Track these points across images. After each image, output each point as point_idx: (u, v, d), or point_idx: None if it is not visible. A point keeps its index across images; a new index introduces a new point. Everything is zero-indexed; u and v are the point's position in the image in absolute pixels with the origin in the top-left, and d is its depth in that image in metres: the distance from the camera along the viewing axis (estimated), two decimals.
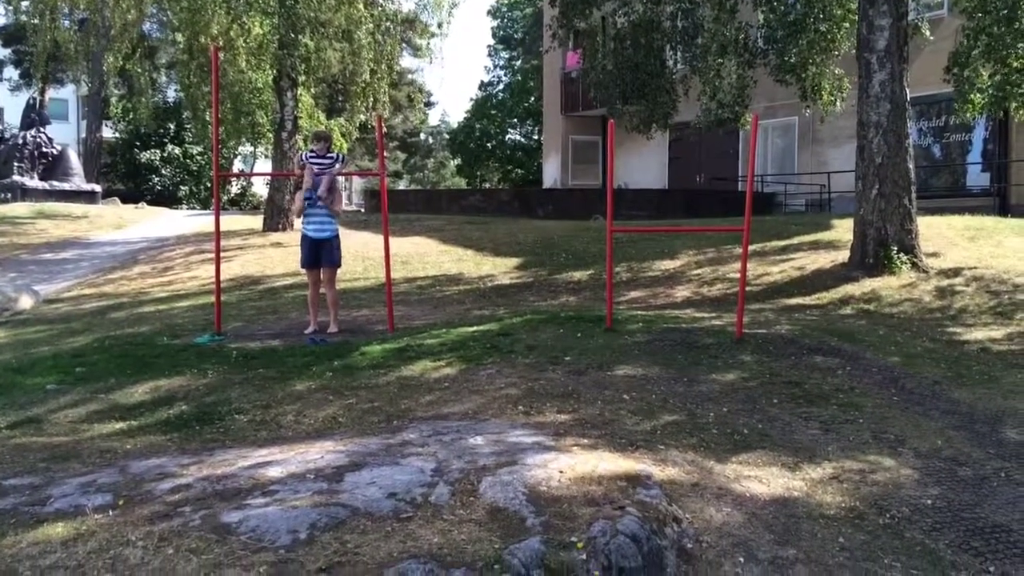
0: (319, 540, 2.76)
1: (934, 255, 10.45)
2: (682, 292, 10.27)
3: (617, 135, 8.50)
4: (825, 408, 5.03)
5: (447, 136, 50.05)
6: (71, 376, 6.05)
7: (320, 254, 7.66)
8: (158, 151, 33.41)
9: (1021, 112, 10.83)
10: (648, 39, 13.26)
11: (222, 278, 8.12)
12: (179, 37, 16.19)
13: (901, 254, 9.80)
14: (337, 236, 7.73)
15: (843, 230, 11.80)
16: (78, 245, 15.93)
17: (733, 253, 11.49)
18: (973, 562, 3.34)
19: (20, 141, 25.32)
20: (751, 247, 8.14)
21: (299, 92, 16.63)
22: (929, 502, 3.78)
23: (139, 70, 18.23)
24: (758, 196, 19.18)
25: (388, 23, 17.39)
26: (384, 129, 9.72)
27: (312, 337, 7.27)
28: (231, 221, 17.92)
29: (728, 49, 12.45)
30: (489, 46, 46.77)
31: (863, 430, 4.69)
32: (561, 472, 3.41)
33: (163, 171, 33.49)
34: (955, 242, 11.38)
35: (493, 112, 43.71)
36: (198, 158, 33.90)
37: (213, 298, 8.03)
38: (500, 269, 12.18)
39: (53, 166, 25.59)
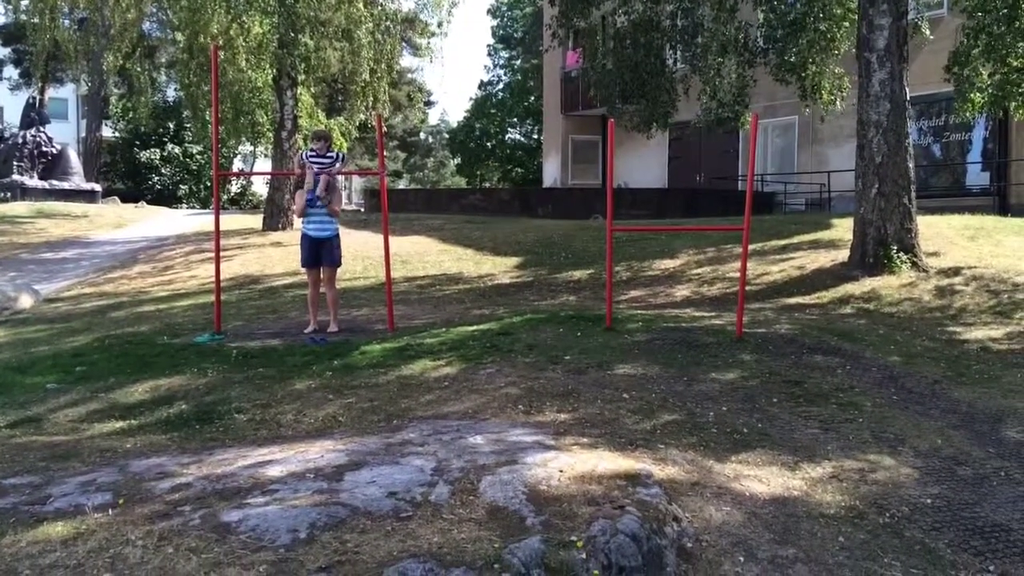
0: (319, 539, 2.76)
1: (934, 254, 10.44)
2: (682, 291, 10.27)
3: (617, 134, 8.50)
4: (825, 407, 5.03)
5: (447, 135, 50.08)
6: (71, 375, 6.05)
7: (320, 253, 7.66)
8: (158, 150, 33.42)
9: (1021, 111, 10.84)
10: (648, 38, 13.25)
11: (222, 277, 8.11)
12: (179, 36, 16.20)
13: (901, 253, 9.80)
14: (337, 235, 7.73)
15: (843, 229, 11.80)
16: (78, 244, 15.92)
17: (733, 252, 11.48)
18: (973, 561, 3.34)
19: (20, 140, 25.32)
20: (751, 246, 8.14)
21: (299, 91, 16.64)
22: (929, 501, 3.79)
23: (139, 69, 18.26)
24: (758, 195, 19.17)
25: (388, 22, 17.38)
26: (384, 128, 9.71)
27: (312, 336, 7.27)
28: (231, 220, 17.91)
29: (728, 48, 12.46)
30: (489, 45, 46.83)
31: (863, 429, 4.69)
32: (561, 471, 3.41)
33: (163, 170, 33.50)
34: (955, 241, 11.38)
35: (493, 111, 43.71)
36: (198, 157, 33.89)
37: (213, 297, 8.02)
38: (500, 268, 12.17)
39: (53, 165, 25.59)
